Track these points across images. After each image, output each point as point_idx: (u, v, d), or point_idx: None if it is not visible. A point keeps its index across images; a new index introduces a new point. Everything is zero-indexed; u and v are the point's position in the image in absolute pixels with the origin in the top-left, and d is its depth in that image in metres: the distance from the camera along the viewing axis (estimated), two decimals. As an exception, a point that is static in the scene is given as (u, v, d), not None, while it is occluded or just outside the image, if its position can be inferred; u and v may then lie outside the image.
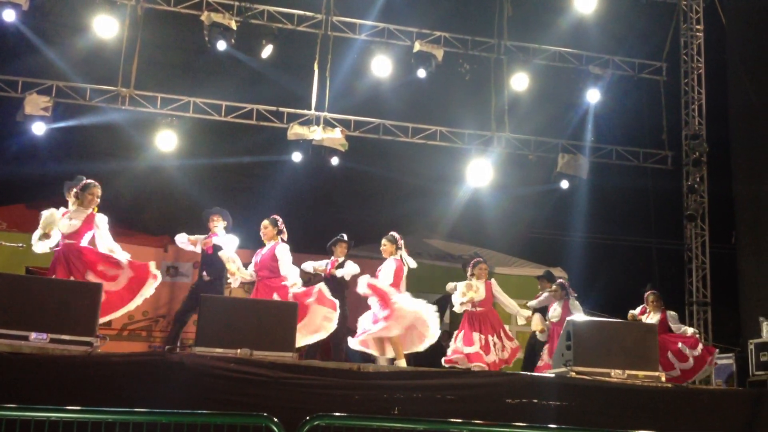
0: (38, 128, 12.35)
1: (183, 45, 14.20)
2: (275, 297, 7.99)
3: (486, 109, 14.10)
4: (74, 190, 7.95)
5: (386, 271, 8.48)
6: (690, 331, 10.17)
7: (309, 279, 9.73)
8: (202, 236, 9.21)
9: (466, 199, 14.71)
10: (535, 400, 6.77)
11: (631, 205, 16.04)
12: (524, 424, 4.89)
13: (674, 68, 14.76)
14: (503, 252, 15.11)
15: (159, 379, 5.94)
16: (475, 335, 9.08)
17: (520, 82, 14.00)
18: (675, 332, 10.02)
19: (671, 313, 10.27)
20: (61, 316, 6.35)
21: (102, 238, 7.84)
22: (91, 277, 7.47)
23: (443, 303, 10.52)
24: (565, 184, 14.01)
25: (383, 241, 8.73)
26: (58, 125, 12.56)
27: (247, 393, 6.10)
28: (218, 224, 9.19)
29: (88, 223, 7.80)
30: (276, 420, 3.78)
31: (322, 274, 9.64)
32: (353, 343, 8.48)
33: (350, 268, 9.52)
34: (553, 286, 10.42)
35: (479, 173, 13.69)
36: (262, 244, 8.52)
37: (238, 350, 6.60)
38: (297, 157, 13.26)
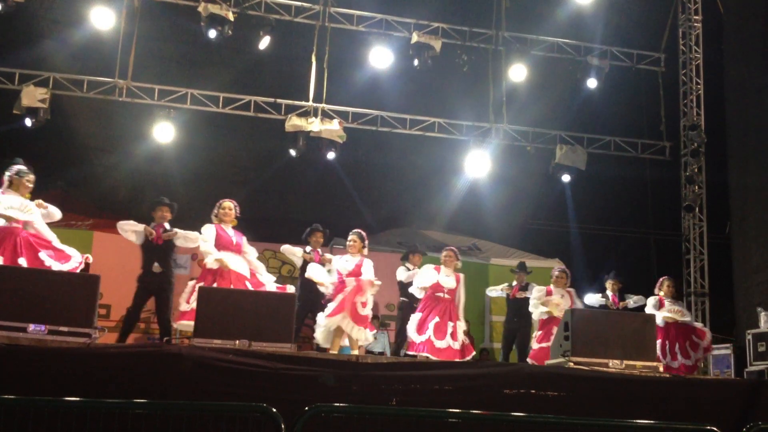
0: (35, 120, 12.28)
1: (180, 36, 14.15)
2: None
3: (484, 101, 14.09)
4: (7, 174, 7.51)
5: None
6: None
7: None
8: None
9: (464, 191, 14.70)
10: (533, 391, 6.78)
11: (629, 195, 16.03)
12: (522, 414, 4.89)
13: (672, 59, 14.74)
14: (501, 243, 15.10)
15: (157, 371, 5.94)
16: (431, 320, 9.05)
17: (518, 73, 13.97)
18: None
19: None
20: (59, 308, 6.34)
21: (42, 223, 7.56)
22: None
23: None
24: (563, 176, 13.99)
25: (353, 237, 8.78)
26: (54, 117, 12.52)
27: (245, 384, 6.09)
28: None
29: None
30: (275, 410, 3.79)
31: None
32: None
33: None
34: (557, 273, 10.07)
35: (477, 164, 13.67)
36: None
37: (237, 341, 6.60)
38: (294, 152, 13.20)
